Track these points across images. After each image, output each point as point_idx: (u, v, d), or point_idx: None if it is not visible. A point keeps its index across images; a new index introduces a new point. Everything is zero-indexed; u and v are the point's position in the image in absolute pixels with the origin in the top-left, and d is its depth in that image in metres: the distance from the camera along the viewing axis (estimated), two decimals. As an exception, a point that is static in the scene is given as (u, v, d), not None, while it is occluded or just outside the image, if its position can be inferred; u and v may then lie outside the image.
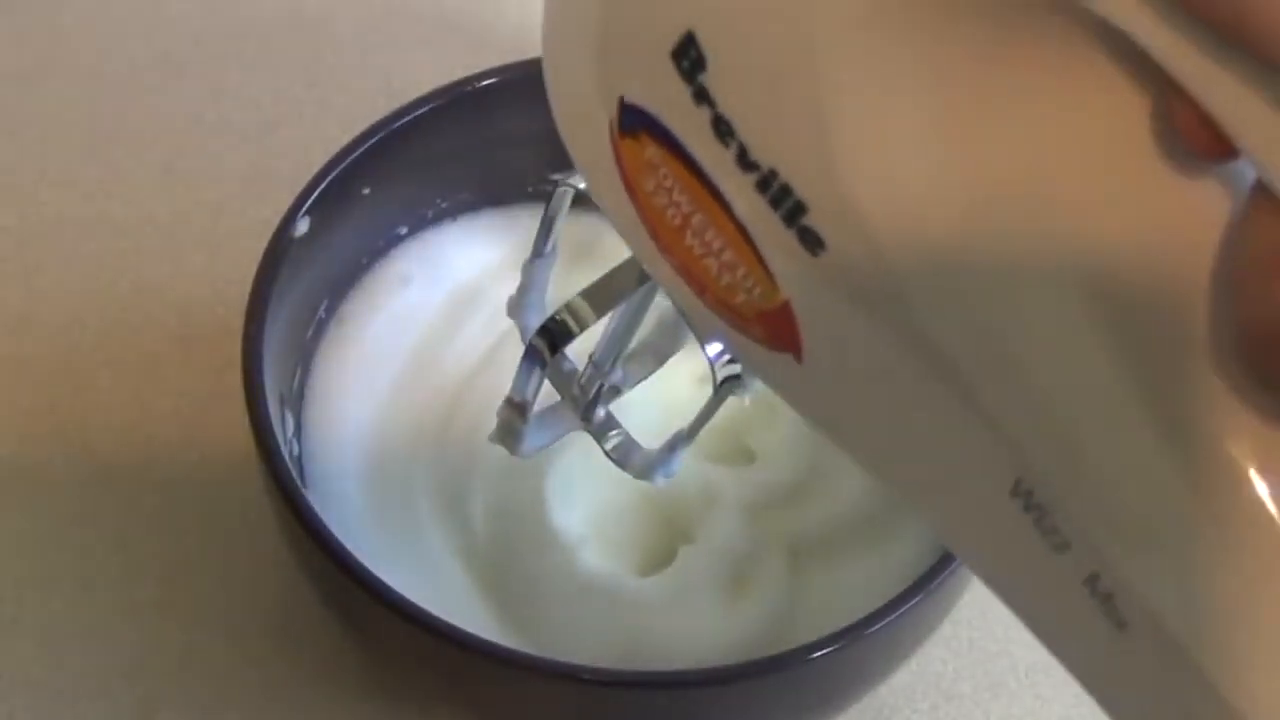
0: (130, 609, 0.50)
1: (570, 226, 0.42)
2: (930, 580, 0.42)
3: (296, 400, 0.48)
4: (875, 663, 0.45)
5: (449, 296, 0.51)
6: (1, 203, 0.58)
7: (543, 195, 0.51)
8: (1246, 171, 0.24)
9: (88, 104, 0.61)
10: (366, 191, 0.48)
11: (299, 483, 0.43)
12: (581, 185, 0.37)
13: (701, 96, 0.28)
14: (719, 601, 0.46)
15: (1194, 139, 0.24)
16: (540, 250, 0.43)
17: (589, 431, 0.42)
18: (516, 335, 0.44)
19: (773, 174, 0.28)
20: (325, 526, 0.42)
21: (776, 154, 0.28)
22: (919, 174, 0.26)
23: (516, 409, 0.42)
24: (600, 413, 0.42)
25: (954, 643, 0.51)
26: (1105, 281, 0.26)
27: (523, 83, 0.47)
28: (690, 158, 0.29)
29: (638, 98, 0.29)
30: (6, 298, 0.56)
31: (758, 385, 0.39)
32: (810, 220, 0.27)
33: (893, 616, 0.41)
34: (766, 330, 0.30)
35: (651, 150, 0.29)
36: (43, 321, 0.56)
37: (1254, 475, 0.25)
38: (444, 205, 0.52)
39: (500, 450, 0.43)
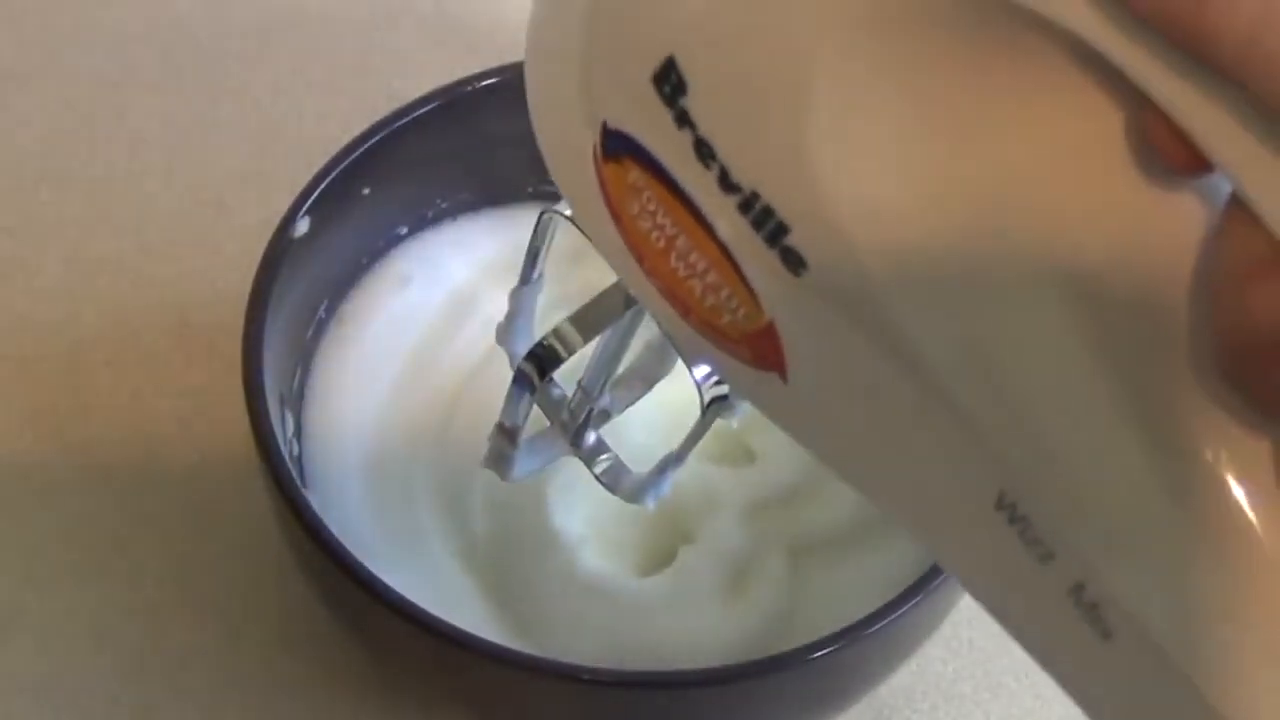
0: (130, 609, 0.50)
1: (562, 236, 0.42)
2: (930, 580, 0.42)
3: (296, 400, 0.48)
4: (875, 663, 0.45)
5: (449, 296, 0.51)
6: (1, 203, 0.58)
7: (543, 196, 0.51)
8: (1222, 185, 0.24)
9: (88, 104, 0.61)
10: (366, 191, 0.48)
11: (299, 483, 0.43)
12: (568, 213, 0.37)
13: (683, 120, 0.28)
14: (719, 601, 0.46)
15: (1169, 153, 0.24)
16: (527, 277, 0.43)
17: (578, 456, 0.43)
18: (516, 335, 0.44)
19: (754, 196, 0.28)
20: (325, 526, 0.42)
21: (758, 176, 0.28)
22: (900, 193, 0.27)
23: (507, 434, 0.42)
24: (590, 437, 0.42)
25: (954, 643, 0.51)
26: (1086, 295, 0.26)
27: (523, 83, 0.47)
28: (673, 181, 0.29)
29: (620, 122, 0.29)
30: (6, 298, 0.56)
31: (745, 406, 0.40)
32: (792, 241, 0.28)
33: (893, 616, 0.41)
34: (751, 351, 0.30)
35: (635, 174, 0.30)
36: (43, 321, 0.56)
37: (1234, 483, 0.26)
38: (444, 205, 0.52)
39: (500, 451, 0.43)
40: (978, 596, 0.31)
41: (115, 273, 0.57)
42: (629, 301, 0.39)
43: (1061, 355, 0.26)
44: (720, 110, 0.28)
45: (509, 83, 0.49)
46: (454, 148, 0.50)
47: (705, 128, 0.28)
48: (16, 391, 0.54)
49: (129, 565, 0.51)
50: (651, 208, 0.30)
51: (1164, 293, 0.26)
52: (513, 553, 0.47)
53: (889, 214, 0.27)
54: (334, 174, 0.47)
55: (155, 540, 0.52)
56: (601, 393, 0.41)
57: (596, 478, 0.43)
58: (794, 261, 0.28)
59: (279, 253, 0.46)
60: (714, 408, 0.39)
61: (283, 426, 0.45)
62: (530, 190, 0.52)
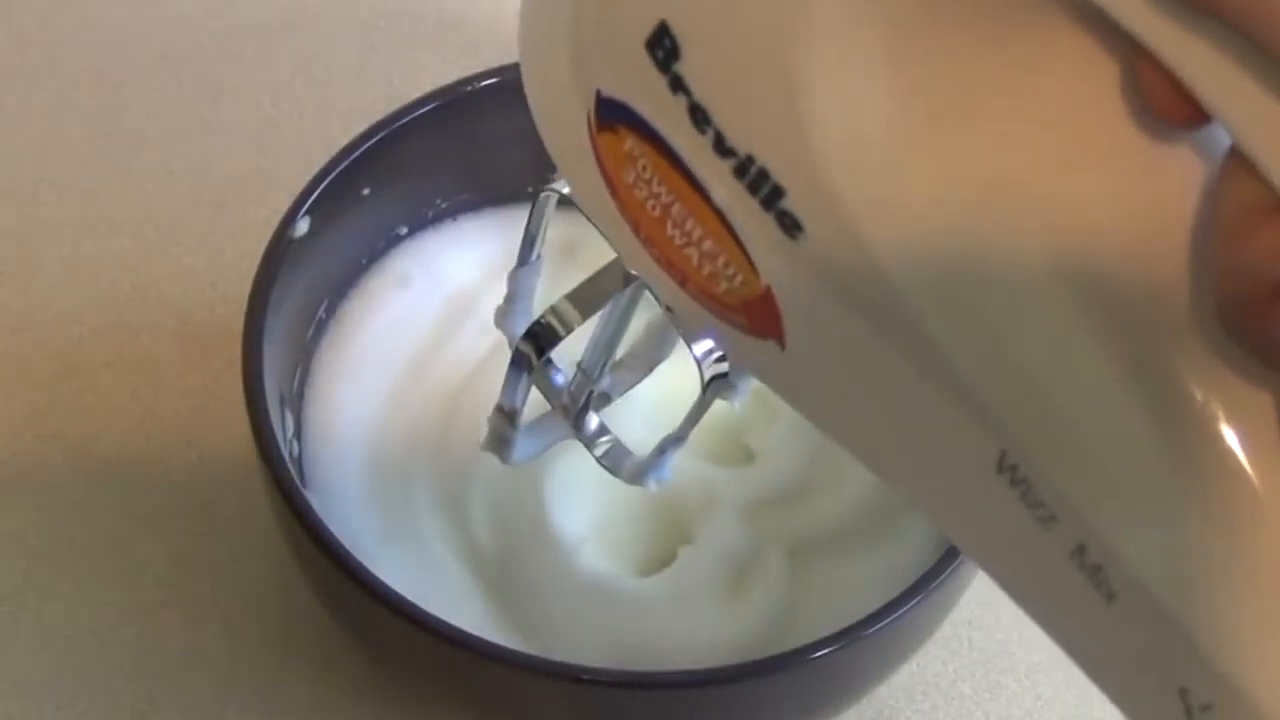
0: (130, 609, 0.50)
1: (556, 228, 0.42)
2: (930, 580, 0.42)
3: (296, 400, 0.48)
4: (875, 663, 0.45)
5: (449, 297, 0.51)
6: (1, 203, 0.58)
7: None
8: (1220, 137, 0.24)
9: (88, 104, 0.61)
10: (366, 191, 0.49)
11: (299, 483, 0.43)
12: (565, 190, 0.37)
13: (677, 85, 0.28)
14: (719, 601, 0.46)
15: (1165, 106, 0.24)
16: (525, 258, 0.43)
17: (579, 439, 0.42)
18: (516, 336, 0.44)
19: (750, 159, 0.28)
20: (325, 526, 0.42)
21: (753, 139, 0.28)
22: (894, 153, 0.27)
23: (506, 417, 0.42)
24: (590, 420, 0.42)
25: (954, 643, 0.51)
26: (1085, 253, 0.26)
27: (522, 83, 0.47)
28: (668, 147, 0.29)
29: (614, 90, 0.29)
30: (6, 298, 0.56)
31: (746, 387, 0.39)
32: (788, 204, 0.28)
33: (893, 617, 0.41)
34: (749, 318, 0.30)
35: (630, 142, 0.30)
36: (43, 321, 0.56)
37: (1235, 438, 0.26)
38: (444, 205, 0.52)
39: (500, 451, 0.43)
40: (981, 563, 0.31)
41: (115, 273, 0.57)
42: (628, 278, 0.39)
43: (1058, 313, 0.26)
44: (714, 74, 0.28)
45: (509, 83, 0.49)
46: (454, 148, 0.50)
47: (700, 92, 0.28)
48: (16, 391, 0.54)
49: (129, 565, 0.51)
50: (647, 176, 0.30)
51: (1163, 247, 0.26)
52: (513, 553, 0.47)
53: (885, 174, 0.27)
54: (334, 174, 0.47)
55: (155, 540, 0.52)
56: (601, 374, 0.41)
57: (598, 460, 0.43)
58: (790, 225, 0.28)
59: (279, 253, 0.46)
60: (714, 386, 0.38)
61: (283, 426, 0.45)
62: (530, 190, 0.52)
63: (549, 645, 0.45)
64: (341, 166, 0.47)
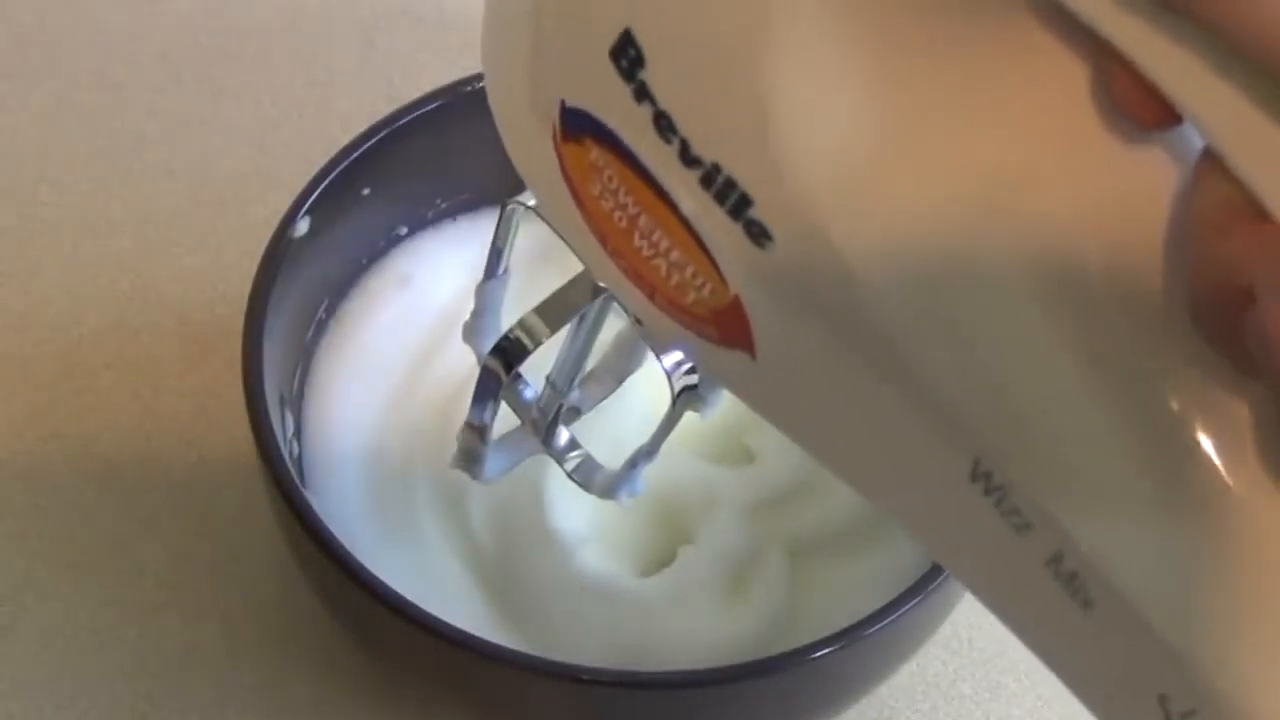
0: (130, 609, 0.50)
1: (524, 240, 0.42)
2: (930, 581, 0.42)
3: (296, 400, 0.48)
4: (875, 663, 0.45)
5: (449, 297, 0.51)
6: (1, 203, 0.58)
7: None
8: (1193, 139, 0.24)
9: (87, 104, 0.61)
10: (366, 191, 0.48)
11: (299, 483, 0.43)
12: (531, 203, 0.37)
13: (642, 94, 0.28)
14: (719, 602, 0.46)
15: (1136, 108, 0.24)
16: (492, 272, 0.42)
17: (550, 454, 0.42)
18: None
19: (716, 168, 0.28)
20: (325, 526, 0.42)
21: (719, 148, 0.28)
22: (862, 160, 0.26)
23: (476, 432, 0.42)
24: (561, 434, 0.42)
25: (954, 643, 0.51)
26: (1056, 257, 0.26)
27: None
28: (634, 157, 0.29)
29: (579, 100, 0.29)
30: (6, 298, 0.56)
31: (716, 397, 0.39)
32: (756, 213, 0.27)
33: (893, 617, 0.41)
34: (719, 329, 0.30)
35: (595, 153, 0.29)
36: (43, 321, 0.56)
37: (1211, 444, 0.25)
38: (444, 205, 0.52)
39: (500, 451, 0.43)
40: (957, 572, 0.31)
41: (115, 273, 0.57)
42: (596, 290, 0.38)
43: (1032, 320, 0.26)
44: (679, 82, 0.28)
45: (509, 83, 0.49)
46: (454, 147, 0.50)
47: (665, 101, 0.28)
48: (16, 391, 0.54)
49: (129, 565, 0.51)
50: (613, 186, 0.29)
51: (1137, 251, 0.25)
52: (513, 553, 0.47)
53: (852, 179, 0.27)
54: (334, 174, 0.47)
55: (155, 540, 0.52)
56: (571, 388, 0.41)
57: (569, 475, 0.43)
58: (758, 234, 0.28)
59: (279, 253, 0.46)
60: (684, 397, 0.38)
61: (283, 426, 0.45)
62: (530, 190, 0.52)
63: (549, 645, 0.45)
64: (341, 166, 0.47)
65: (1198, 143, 0.24)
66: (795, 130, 0.27)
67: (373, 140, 0.48)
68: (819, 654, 0.41)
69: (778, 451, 0.48)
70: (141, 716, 0.49)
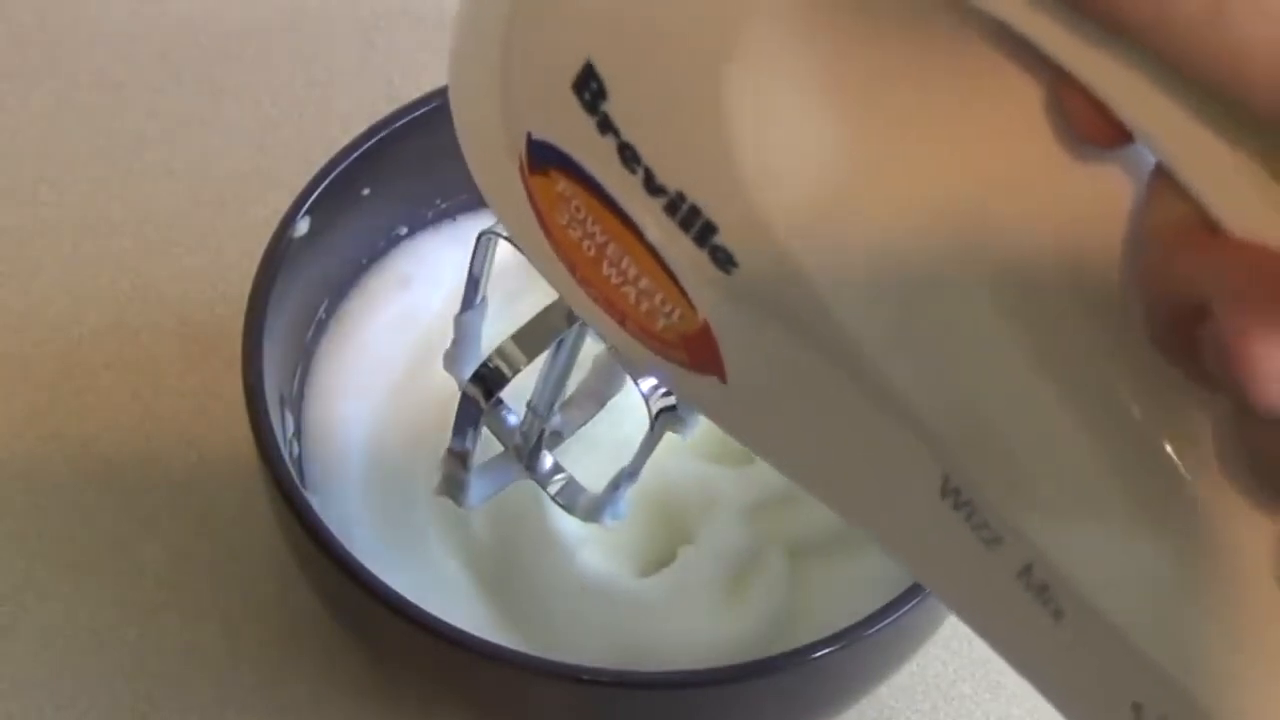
0: (130, 609, 0.50)
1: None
2: (930, 580, 0.42)
3: (296, 400, 0.48)
4: (875, 663, 0.45)
5: (449, 297, 0.51)
6: (1, 203, 0.58)
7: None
8: (1146, 157, 0.24)
9: (87, 104, 0.61)
10: (366, 191, 0.48)
11: (299, 483, 0.43)
12: (505, 233, 0.37)
13: (606, 126, 0.28)
14: (719, 602, 0.46)
15: (1087, 127, 0.24)
16: (470, 302, 0.43)
17: (533, 479, 0.43)
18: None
19: (680, 196, 0.28)
20: (325, 527, 0.42)
21: (682, 177, 0.28)
22: (823, 184, 0.27)
23: (458, 459, 0.42)
24: (544, 459, 0.42)
25: (954, 643, 0.51)
26: (1017, 276, 0.26)
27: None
28: (600, 187, 0.29)
29: (544, 133, 0.29)
30: (6, 298, 0.56)
31: (695, 420, 0.40)
32: (721, 239, 0.28)
33: (893, 617, 0.41)
34: (689, 354, 0.30)
35: (562, 184, 0.30)
36: (43, 321, 0.56)
37: (1175, 454, 0.26)
38: (444, 206, 0.52)
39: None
40: (933, 587, 0.31)
41: (115, 273, 0.57)
42: (572, 316, 0.39)
43: (995, 337, 0.27)
44: (641, 113, 0.28)
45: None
46: (454, 147, 0.50)
47: (628, 132, 0.28)
48: (16, 391, 0.54)
49: (129, 565, 0.51)
50: (581, 216, 0.30)
51: (1095, 268, 0.26)
52: (513, 553, 0.47)
53: (815, 207, 0.27)
54: (334, 174, 0.47)
55: (155, 540, 0.52)
56: (552, 413, 0.41)
57: (553, 499, 0.43)
58: (724, 260, 0.28)
59: (279, 253, 0.46)
60: (663, 419, 0.39)
61: (283, 426, 0.45)
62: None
63: (549, 645, 0.45)
64: (341, 166, 0.47)
65: (1151, 160, 0.24)
66: (756, 158, 0.27)
67: (373, 140, 0.48)
68: (819, 654, 0.41)
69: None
70: (141, 716, 0.49)
